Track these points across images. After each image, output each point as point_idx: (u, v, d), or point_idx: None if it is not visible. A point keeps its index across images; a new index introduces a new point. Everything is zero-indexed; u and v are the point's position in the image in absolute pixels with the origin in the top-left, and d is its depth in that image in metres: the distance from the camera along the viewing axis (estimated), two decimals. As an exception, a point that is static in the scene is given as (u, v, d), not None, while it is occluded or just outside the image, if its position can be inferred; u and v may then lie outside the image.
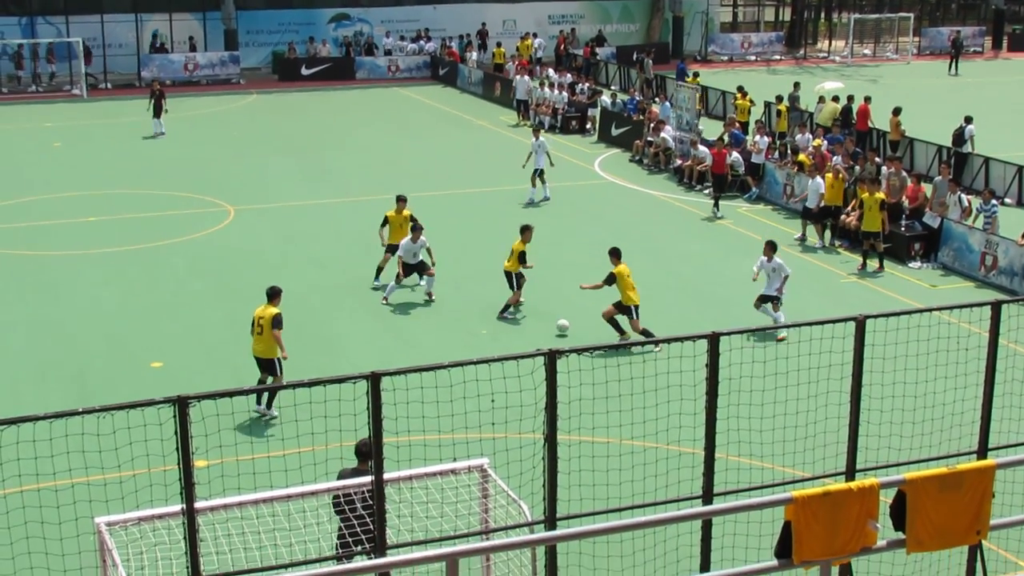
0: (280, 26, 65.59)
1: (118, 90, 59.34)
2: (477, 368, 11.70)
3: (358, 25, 67.04)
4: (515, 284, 25.55)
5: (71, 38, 58.83)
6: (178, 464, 10.30)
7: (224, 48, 62.75)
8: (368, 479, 12.38)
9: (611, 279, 23.69)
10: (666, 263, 29.19)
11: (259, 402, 20.05)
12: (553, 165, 35.94)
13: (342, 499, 12.94)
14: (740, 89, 46.33)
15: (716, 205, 34.32)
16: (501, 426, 13.34)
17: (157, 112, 46.14)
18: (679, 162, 38.77)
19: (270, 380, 19.95)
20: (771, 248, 24.74)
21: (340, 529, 12.84)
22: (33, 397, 20.82)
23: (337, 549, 12.77)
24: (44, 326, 24.42)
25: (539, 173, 35.10)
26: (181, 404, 10.16)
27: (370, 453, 13.99)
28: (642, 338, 22.73)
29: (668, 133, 40.09)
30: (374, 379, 10.60)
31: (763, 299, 24.65)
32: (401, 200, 27.47)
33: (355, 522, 12.46)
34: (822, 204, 30.90)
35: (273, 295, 20.13)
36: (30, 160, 41.89)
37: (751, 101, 45.21)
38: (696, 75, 52.13)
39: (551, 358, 11.16)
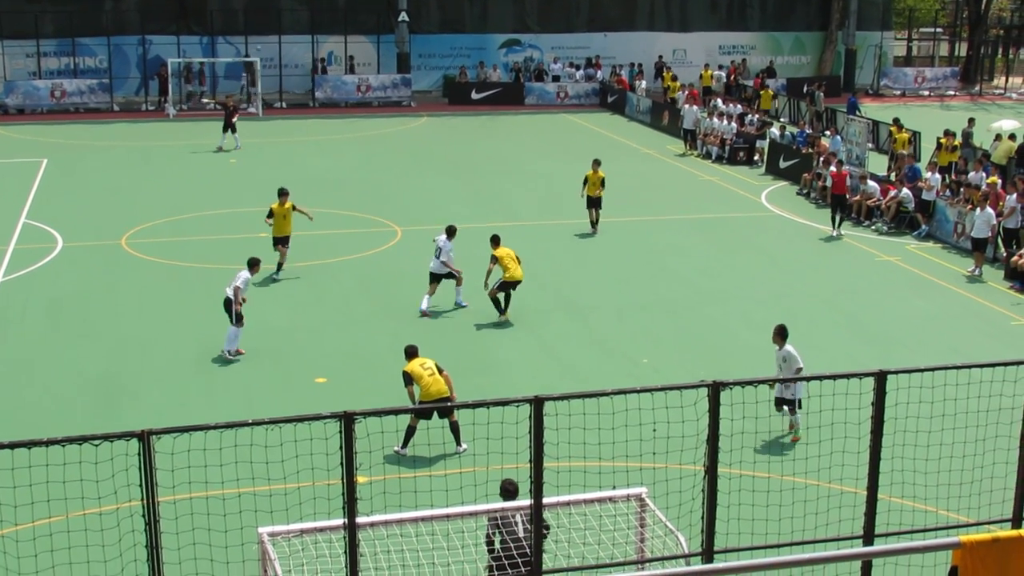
0: (452, 50, 66.48)
1: (292, 109, 60.74)
2: (639, 397, 11.70)
3: (528, 51, 67.57)
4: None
5: (249, 58, 60.47)
6: (342, 479, 10.48)
7: (396, 71, 63.82)
8: (526, 503, 12.45)
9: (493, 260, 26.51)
10: (831, 298, 28.78)
11: (460, 443, 19.76)
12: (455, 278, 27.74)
13: (499, 521, 13.02)
14: (895, 121, 45.56)
15: (835, 225, 35.30)
16: (661, 456, 13.29)
17: (227, 127, 47.98)
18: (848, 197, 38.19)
19: (453, 419, 19.82)
20: (780, 335, 20.36)
21: (495, 552, 12.92)
22: (201, 407, 21.40)
23: (492, 572, 12.85)
24: (212, 339, 25.05)
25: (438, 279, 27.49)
26: (347, 420, 10.34)
27: (515, 492, 14.07)
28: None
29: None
30: (537, 403, 10.67)
31: (780, 402, 19.92)
32: (283, 193, 29.74)
33: (512, 545, 12.53)
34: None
35: (415, 352, 19.99)
36: (206, 176, 43.08)
37: (908, 132, 44.41)
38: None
39: (715, 390, 11.11)
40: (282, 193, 29.86)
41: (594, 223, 35.01)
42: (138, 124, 55.87)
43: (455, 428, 19.66)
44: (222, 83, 62.33)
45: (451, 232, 27.37)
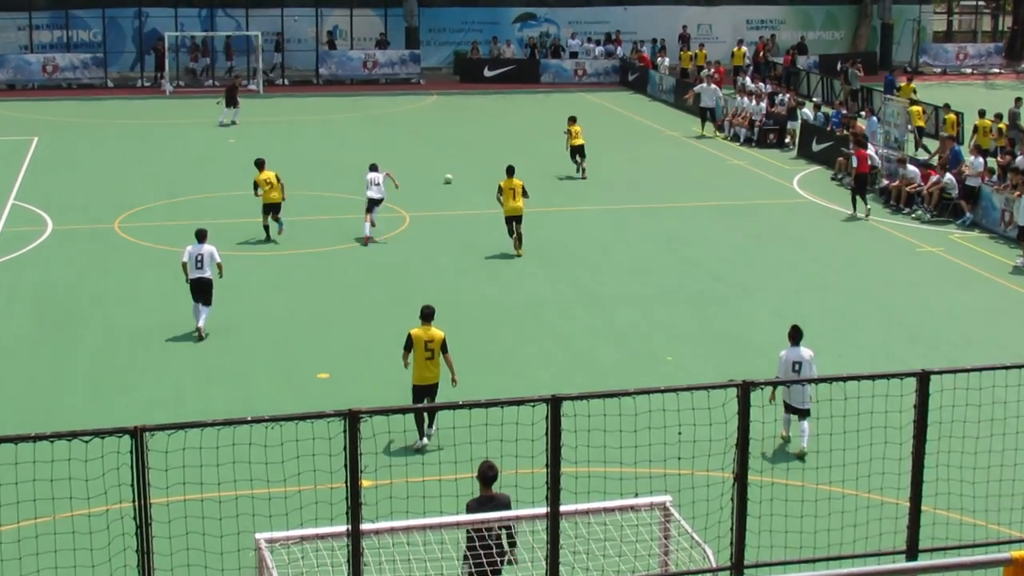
0: (463, 25, 66.32)
1: (295, 87, 60.64)
2: (664, 397, 11.55)
3: (544, 26, 67.39)
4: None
5: (249, 32, 60.35)
6: (345, 482, 10.36)
7: (405, 46, 63.66)
8: (543, 511, 12.29)
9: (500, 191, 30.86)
10: (870, 292, 28.59)
11: (431, 425, 19.96)
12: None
13: (484, 532, 12.85)
14: (946, 106, 45.42)
15: (855, 205, 35.70)
16: (687, 461, 13.15)
17: (231, 102, 49.31)
18: (885, 182, 37.99)
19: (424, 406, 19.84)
20: (793, 335, 20.03)
21: (478, 560, 12.74)
22: (197, 403, 21.32)
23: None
24: (210, 329, 24.96)
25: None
26: (352, 418, 10.20)
27: (495, 477, 13.92)
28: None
29: (874, 150, 39.32)
30: (554, 403, 10.53)
31: (797, 412, 19.71)
32: (260, 164, 32.30)
33: (494, 552, 12.41)
34: None
35: (431, 315, 19.94)
36: (205, 156, 43.00)
37: (956, 114, 44.28)
38: (911, 79, 51.68)
39: (744, 390, 10.95)
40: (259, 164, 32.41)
41: (582, 169, 40.53)
42: (133, 101, 55.85)
43: (433, 413, 19.65)
44: (223, 59, 62.15)
45: (375, 167, 32.61)
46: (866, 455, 13.51)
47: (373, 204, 32.24)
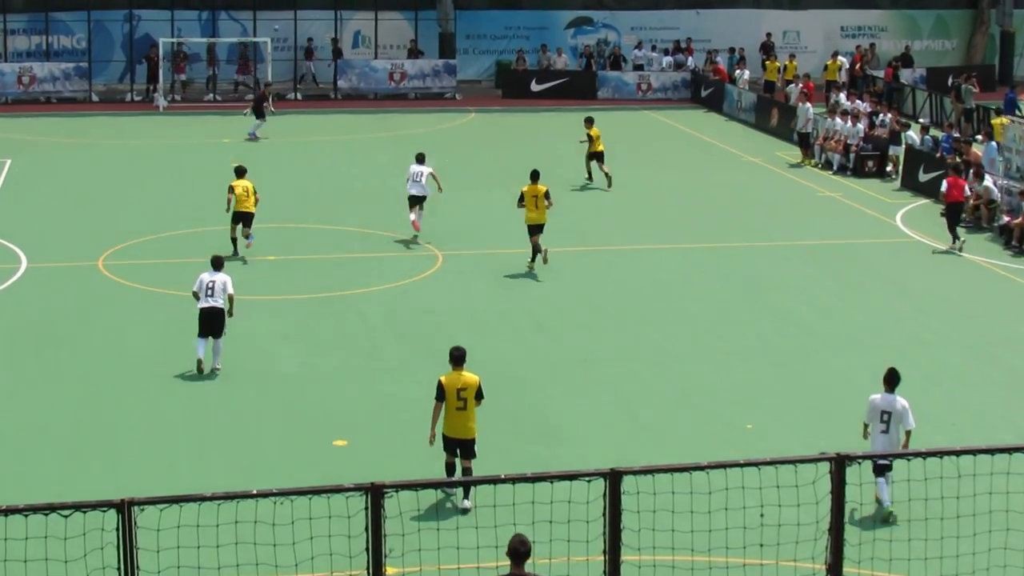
0: (507, 31, 66.55)
1: (309, 102, 60.94)
2: (743, 472, 11.54)
3: (602, 32, 67.59)
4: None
5: (258, 38, 60.72)
6: (367, 569, 10.39)
7: (439, 56, 63.90)
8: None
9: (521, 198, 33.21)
10: (988, 349, 28.43)
11: (466, 498, 19.96)
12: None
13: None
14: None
15: (955, 237, 36.31)
16: (771, 549, 13.11)
17: (259, 113, 51.13)
18: (1006, 219, 37.81)
19: (467, 465, 19.88)
20: (889, 381, 20.07)
21: None
22: (192, 472, 21.36)
23: None
24: (208, 387, 25.07)
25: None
26: (375, 493, 10.26)
27: (527, 554, 13.90)
28: None
29: (992, 181, 39.19)
30: (614, 478, 10.57)
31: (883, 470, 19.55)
32: (241, 172, 34.64)
33: None
34: None
35: (462, 358, 20.08)
36: (203, 183, 43.19)
37: None
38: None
39: (839, 465, 10.94)
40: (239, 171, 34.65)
41: (607, 176, 43.32)
42: (122, 117, 56.32)
43: (468, 475, 19.67)
44: (223, 67, 62.57)
45: (421, 159, 35.80)
46: (984, 544, 13.42)
47: (415, 201, 35.42)
